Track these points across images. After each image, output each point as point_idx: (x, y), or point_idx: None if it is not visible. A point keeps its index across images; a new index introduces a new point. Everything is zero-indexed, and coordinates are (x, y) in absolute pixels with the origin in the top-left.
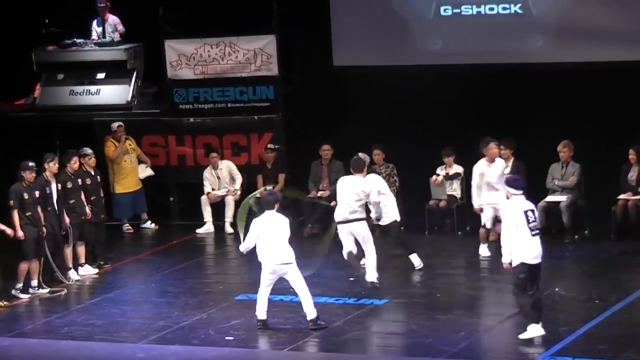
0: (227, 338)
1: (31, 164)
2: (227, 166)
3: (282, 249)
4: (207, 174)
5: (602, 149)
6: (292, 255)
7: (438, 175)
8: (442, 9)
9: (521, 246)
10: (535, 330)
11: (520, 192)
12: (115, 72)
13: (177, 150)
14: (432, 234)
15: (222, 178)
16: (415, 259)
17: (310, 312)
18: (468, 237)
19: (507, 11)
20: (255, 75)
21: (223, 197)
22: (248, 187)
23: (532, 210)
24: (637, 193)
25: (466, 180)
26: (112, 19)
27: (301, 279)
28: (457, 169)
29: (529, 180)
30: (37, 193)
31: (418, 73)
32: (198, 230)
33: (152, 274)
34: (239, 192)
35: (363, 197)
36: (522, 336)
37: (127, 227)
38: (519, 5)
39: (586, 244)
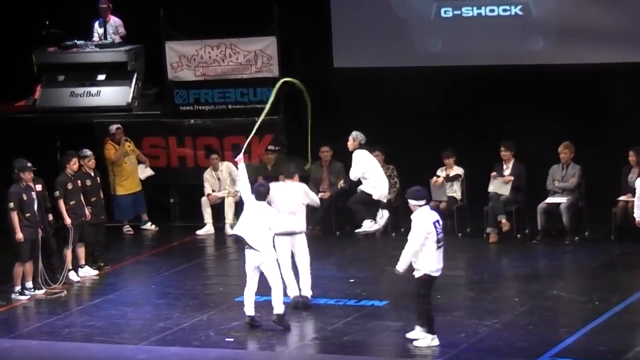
0: (227, 339)
1: (29, 164)
2: (227, 168)
3: (260, 239)
4: (208, 175)
5: (602, 150)
6: (268, 247)
7: (438, 176)
8: (442, 10)
9: (427, 258)
10: (429, 341)
11: (424, 202)
12: (116, 73)
13: (178, 151)
14: None
15: (222, 179)
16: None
17: (278, 307)
18: (468, 239)
19: (508, 13)
20: (256, 76)
21: (223, 199)
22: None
23: (438, 221)
24: None
25: (466, 182)
26: (113, 20)
27: (276, 273)
28: (458, 170)
29: (529, 181)
30: (32, 194)
31: (418, 75)
32: (198, 232)
33: (152, 275)
34: (239, 194)
35: (301, 207)
36: (417, 343)
37: (127, 228)
38: (519, 6)
39: (586, 246)
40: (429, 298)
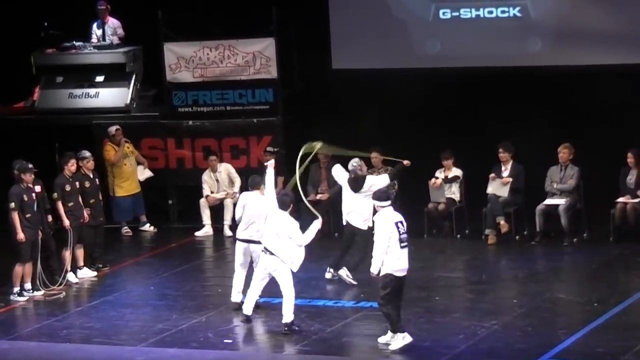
0: (225, 341)
1: (30, 165)
2: (226, 169)
3: (278, 246)
4: (206, 176)
5: (600, 151)
6: (287, 254)
7: (437, 178)
8: (441, 12)
9: (390, 258)
10: (403, 340)
11: (388, 203)
12: (115, 75)
13: (176, 153)
14: (430, 236)
15: (221, 181)
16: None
17: (287, 316)
18: (466, 240)
19: (506, 14)
20: (254, 78)
21: (222, 200)
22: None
23: (402, 222)
24: (636, 196)
25: (465, 183)
26: (112, 22)
27: (289, 281)
28: (456, 172)
29: (528, 183)
30: (33, 195)
31: (417, 76)
32: (197, 233)
33: (151, 276)
34: (237, 195)
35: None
36: (392, 347)
37: (125, 230)
38: (517, 8)
39: (585, 247)
40: (396, 300)
